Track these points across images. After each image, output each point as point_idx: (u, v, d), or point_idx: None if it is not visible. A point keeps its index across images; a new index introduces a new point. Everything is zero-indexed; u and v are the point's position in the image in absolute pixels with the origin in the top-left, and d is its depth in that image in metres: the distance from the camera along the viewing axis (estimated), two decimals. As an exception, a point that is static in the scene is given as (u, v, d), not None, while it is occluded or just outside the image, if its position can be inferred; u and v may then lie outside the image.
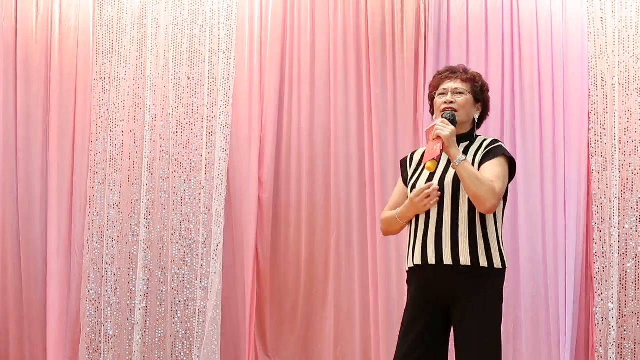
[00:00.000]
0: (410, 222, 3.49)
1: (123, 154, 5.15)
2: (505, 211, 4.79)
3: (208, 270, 5.01)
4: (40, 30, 5.27)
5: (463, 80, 3.56)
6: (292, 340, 5.07)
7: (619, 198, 4.82)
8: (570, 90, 4.95)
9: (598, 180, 4.86)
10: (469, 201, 3.36)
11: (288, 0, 5.16)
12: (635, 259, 4.78)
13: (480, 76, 3.65)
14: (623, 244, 4.80)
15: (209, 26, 5.17)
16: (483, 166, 3.42)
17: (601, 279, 4.79)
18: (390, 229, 3.60)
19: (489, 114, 3.69)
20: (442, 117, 3.41)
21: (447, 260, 3.36)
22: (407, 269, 3.51)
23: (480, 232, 3.39)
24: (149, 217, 5.08)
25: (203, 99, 5.13)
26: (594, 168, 4.87)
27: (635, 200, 4.82)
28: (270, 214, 5.08)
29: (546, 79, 4.97)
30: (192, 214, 5.08)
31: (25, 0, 5.27)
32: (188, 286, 5.05)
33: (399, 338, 3.50)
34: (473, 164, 3.43)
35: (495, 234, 3.44)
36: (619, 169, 4.84)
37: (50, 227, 5.13)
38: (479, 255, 3.37)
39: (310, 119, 5.10)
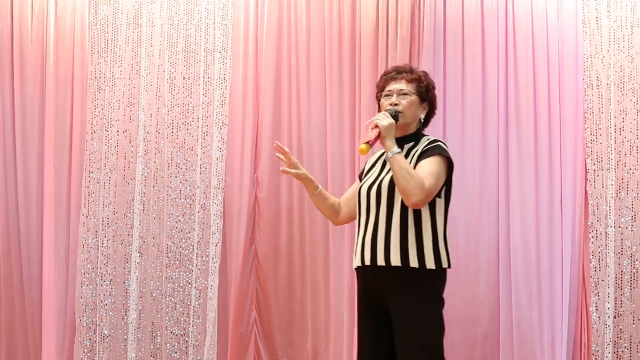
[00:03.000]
0: (358, 225, 3.53)
1: (118, 154, 5.14)
2: (499, 211, 4.87)
3: (204, 270, 5.00)
4: (36, 31, 5.27)
5: (408, 81, 3.57)
6: (294, 339, 5.06)
7: (614, 197, 4.82)
8: (566, 89, 4.96)
9: (594, 179, 4.87)
10: (402, 202, 3.37)
11: (284, -1, 5.18)
12: (631, 258, 4.79)
13: (426, 75, 3.65)
14: (619, 243, 4.80)
15: (204, 26, 5.17)
16: (419, 164, 3.42)
17: (597, 279, 4.79)
18: (322, 211, 3.77)
19: (436, 112, 3.71)
20: (386, 111, 3.44)
21: (380, 261, 3.40)
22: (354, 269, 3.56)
23: (413, 232, 3.39)
24: (144, 217, 5.07)
25: (198, 99, 5.13)
26: (589, 167, 4.88)
27: (630, 200, 4.82)
28: (267, 214, 5.08)
29: (541, 79, 4.97)
30: (187, 214, 5.08)
31: (21, 0, 5.27)
32: (183, 286, 5.04)
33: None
34: (413, 163, 3.44)
35: (432, 235, 3.42)
36: (615, 169, 4.84)
37: (46, 226, 5.13)
38: (409, 255, 3.37)
39: (305, 118, 5.10)
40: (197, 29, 5.17)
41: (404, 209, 3.39)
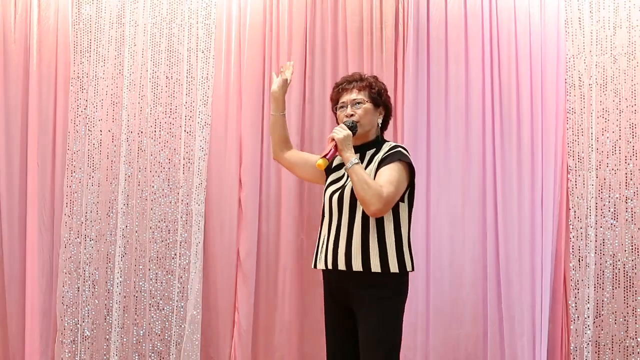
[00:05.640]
0: (321, 228, 3.58)
1: (101, 153, 5.14)
2: (485, 210, 4.88)
3: (187, 269, 5.00)
4: (19, 30, 5.26)
5: (359, 89, 3.61)
6: (278, 339, 5.05)
7: (595, 197, 4.83)
8: (548, 90, 4.98)
9: (575, 179, 4.88)
10: None
11: (266, -1, 5.18)
12: (611, 258, 4.80)
13: (376, 80, 3.67)
14: (600, 243, 4.81)
15: (187, 25, 5.16)
16: (379, 171, 3.45)
17: (577, 278, 4.80)
18: (273, 135, 3.86)
19: (392, 114, 3.73)
20: (344, 123, 3.49)
21: (342, 265, 3.44)
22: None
23: (375, 237, 3.43)
24: (127, 216, 5.07)
25: (182, 98, 5.13)
26: (571, 167, 4.89)
27: (612, 200, 4.83)
28: (250, 213, 5.07)
29: (524, 79, 4.99)
30: (170, 214, 5.07)
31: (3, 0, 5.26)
32: (166, 286, 5.04)
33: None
34: (375, 170, 3.46)
35: (395, 238, 3.44)
36: (596, 169, 4.85)
37: (29, 226, 5.11)
38: (371, 260, 3.40)
39: (288, 118, 5.09)
40: (180, 29, 5.17)
41: (365, 214, 3.42)
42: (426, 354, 4.91)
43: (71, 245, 5.07)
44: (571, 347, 4.76)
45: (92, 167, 5.12)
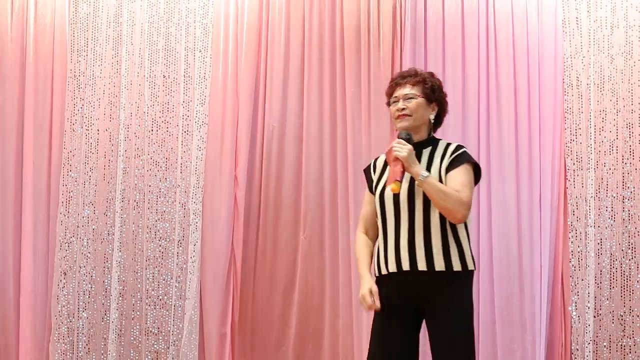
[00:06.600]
0: (385, 230, 3.51)
1: (98, 153, 5.12)
2: (480, 211, 4.88)
3: (184, 269, 4.98)
4: (15, 29, 5.24)
5: (413, 85, 3.61)
6: (267, 339, 5.04)
7: (594, 197, 4.83)
8: (546, 89, 4.97)
9: (573, 179, 4.88)
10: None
11: (264, -2, 5.17)
12: (610, 258, 4.80)
13: (431, 76, 3.68)
14: (598, 243, 4.81)
15: (184, 24, 5.16)
16: (449, 174, 3.46)
17: (577, 278, 4.80)
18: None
19: (448, 110, 3.73)
20: (398, 138, 3.46)
21: (422, 266, 3.41)
22: (378, 274, 3.53)
23: (452, 237, 3.44)
24: (124, 215, 5.06)
25: (179, 98, 5.12)
26: (569, 167, 4.89)
27: (610, 200, 4.84)
28: (246, 212, 5.06)
29: (522, 79, 4.98)
30: (167, 213, 5.06)
31: (0, -2, 5.26)
32: (163, 285, 5.02)
33: (371, 337, 3.52)
34: (439, 171, 3.46)
35: (467, 237, 3.48)
36: (594, 169, 4.85)
37: (25, 225, 5.10)
38: (452, 260, 3.41)
39: (284, 117, 5.10)
40: (177, 28, 5.16)
41: (441, 214, 3.43)
42: (420, 353, 4.89)
43: (67, 244, 5.05)
44: (572, 347, 4.76)
45: (88, 166, 5.11)
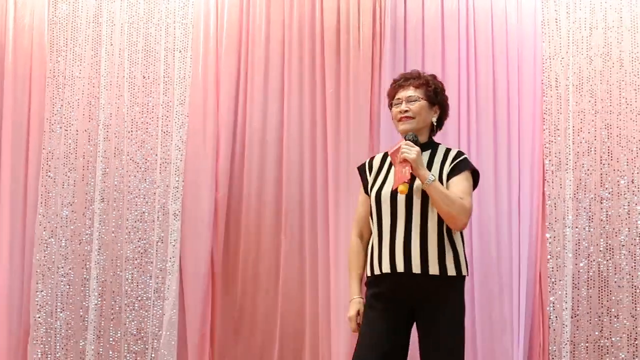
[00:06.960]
0: (380, 229, 3.52)
1: (77, 153, 5.10)
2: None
3: (163, 269, 4.97)
4: (-6, 29, 5.23)
5: (416, 87, 3.62)
6: (243, 343, 5.04)
7: (572, 198, 4.84)
8: (525, 90, 4.98)
9: (552, 180, 4.89)
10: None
11: (244, -1, 5.17)
12: (588, 259, 4.81)
13: (434, 79, 3.68)
14: (576, 244, 4.82)
15: (164, 25, 5.15)
16: (451, 181, 3.49)
17: (555, 279, 4.81)
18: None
19: (449, 113, 3.74)
20: (405, 139, 3.46)
21: (416, 269, 3.41)
22: (370, 275, 3.53)
23: (448, 241, 3.46)
24: (104, 216, 5.04)
25: (158, 98, 5.11)
26: (548, 168, 4.90)
27: (588, 201, 4.85)
28: (226, 213, 5.06)
29: (501, 80, 4.99)
30: (147, 214, 5.05)
31: (-21, -1, 5.24)
32: (142, 286, 5.01)
33: (359, 336, 3.53)
34: (440, 176, 3.47)
35: (462, 242, 3.50)
36: (573, 169, 4.87)
37: (2, 226, 5.07)
38: (447, 265, 3.42)
39: (265, 118, 5.09)
40: (157, 28, 5.15)
41: (440, 218, 3.44)
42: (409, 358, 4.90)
43: (45, 245, 5.04)
44: (549, 348, 4.77)
45: (67, 166, 5.09)
